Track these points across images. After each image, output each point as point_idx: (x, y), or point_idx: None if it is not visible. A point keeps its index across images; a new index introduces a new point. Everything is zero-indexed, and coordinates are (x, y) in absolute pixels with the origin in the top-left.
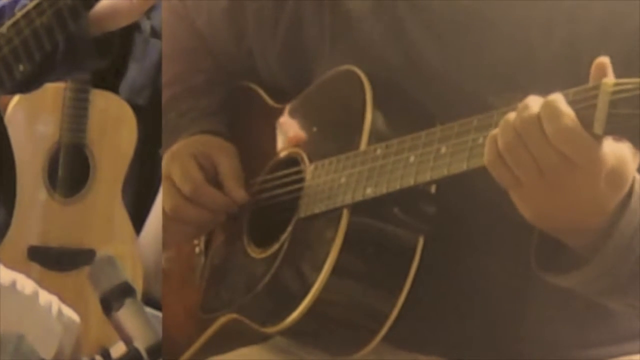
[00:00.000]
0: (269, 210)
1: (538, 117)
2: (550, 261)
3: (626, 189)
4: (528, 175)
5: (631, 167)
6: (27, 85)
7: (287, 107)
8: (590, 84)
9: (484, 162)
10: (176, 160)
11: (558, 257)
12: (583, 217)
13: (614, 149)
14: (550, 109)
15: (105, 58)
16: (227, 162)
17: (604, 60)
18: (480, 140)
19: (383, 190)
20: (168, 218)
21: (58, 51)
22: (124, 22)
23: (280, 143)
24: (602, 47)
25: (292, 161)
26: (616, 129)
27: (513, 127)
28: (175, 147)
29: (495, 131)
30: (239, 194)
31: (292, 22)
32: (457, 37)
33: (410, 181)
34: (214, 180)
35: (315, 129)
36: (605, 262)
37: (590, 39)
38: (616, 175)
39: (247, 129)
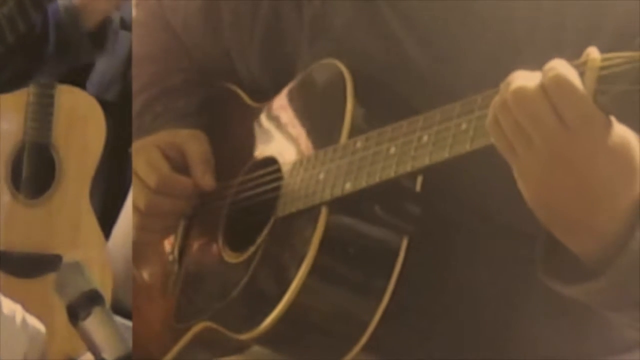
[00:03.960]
0: (246, 213)
1: (542, 87)
2: (558, 268)
3: (637, 188)
4: (520, 144)
5: (637, 156)
6: (17, 82)
7: (267, 106)
8: (578, 60)
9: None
10: (142, 153)
11: (566, 264)
12: (589, 210)
13: (619, 130)
14: (560, 83)
15: (101, 50)
16: (195, 147)
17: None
18: (464, 125)
19: (362, 184)
20: (141, 216)
21: (48, 46)
22: (100, 15)
23: (259, 143)
24: (589, 44)
25: (270, 161)
26: (605, 108)
27: (513, 92)
28: (141, 142)
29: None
30: (205, 180)
31: (270, 22)
32: (439, 34)
33: (390, 173)
34: (183, 169)
35: (296, 127)
36: (619, 274)
37: (576, 34)
38: (620, 157)
39: (225, 130)
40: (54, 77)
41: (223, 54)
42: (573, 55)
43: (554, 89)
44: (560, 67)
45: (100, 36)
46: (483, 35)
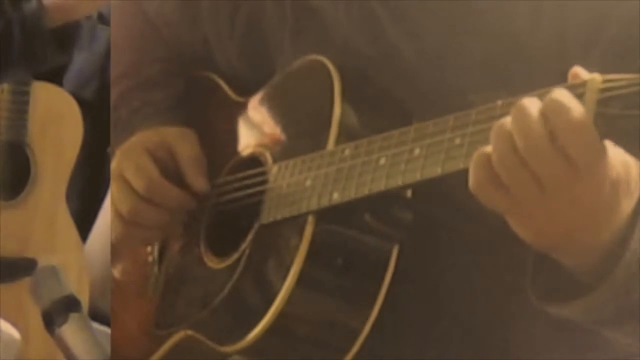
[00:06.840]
0: (229, 216)
1: (541, 118)
2: (551, 289)
3: (634, 200)
4: (529, 193)
5: (636, 175)
6: None
7: (250, 101)
8: (578, 80)
9: (470, 186)
10: (129, 157)
11: (559, 283)
12: (588, 231)
13: (618, 155)
14: (556, 105)
15: (67, 52)
16: (187, 148)
17: (578, 70)
18: (457, 140)
19: (351, 195)
20: (122, 222)
21: (15, 47)
22: (83, 12)
23: (242, 141)
24: (594, 38)
25: (254, 161)
26: (605, 132)
27: (509, 138)
28: (127, 144)
29: (482, 150)
30: (200, 183)
31: (252, 13)
32: (435, 27)
33: (380, 186)
34: (175, 173)
35: (280, 125)
36: (617, 283)
37: (581, 29)
38: (623, 183)
39: (207, 125)
40: (22, 79)
41: (202, 43)
42: (575, 52)
43: (555, 119)
44: (561, 95)
45: (67, 38)
46: (480, 30)
